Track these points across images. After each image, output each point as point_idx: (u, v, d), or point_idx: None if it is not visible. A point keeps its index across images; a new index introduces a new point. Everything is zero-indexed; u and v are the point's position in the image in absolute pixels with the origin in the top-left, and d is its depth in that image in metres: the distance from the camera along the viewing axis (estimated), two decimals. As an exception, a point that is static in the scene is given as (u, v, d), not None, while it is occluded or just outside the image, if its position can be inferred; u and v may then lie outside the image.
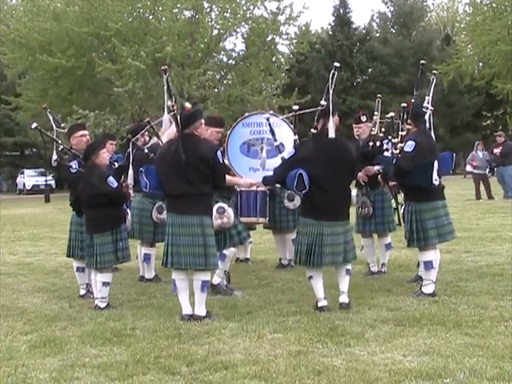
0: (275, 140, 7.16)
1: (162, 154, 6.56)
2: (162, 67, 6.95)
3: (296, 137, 7.23)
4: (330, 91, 6.57)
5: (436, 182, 6.77)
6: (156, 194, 7.34)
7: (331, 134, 6.40)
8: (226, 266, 7.44)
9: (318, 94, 31.10)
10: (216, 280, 7.41)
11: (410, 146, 6.74)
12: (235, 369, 4.75)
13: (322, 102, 6.71)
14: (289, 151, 6.79)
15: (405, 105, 7.17)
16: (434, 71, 7.82)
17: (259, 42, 32.17)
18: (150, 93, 29.94)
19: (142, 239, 8.61)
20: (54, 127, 7.68)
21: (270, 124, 7.24)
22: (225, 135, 7.95)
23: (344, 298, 6.50)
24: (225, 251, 7.33)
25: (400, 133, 7.16)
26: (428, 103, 7.22)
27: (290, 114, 7.59)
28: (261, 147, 7.79)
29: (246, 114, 8.12)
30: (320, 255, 6.37)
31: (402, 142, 6.98)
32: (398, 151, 7.00)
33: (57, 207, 24.81)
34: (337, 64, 6.64)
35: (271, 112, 8.40)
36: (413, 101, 7.12)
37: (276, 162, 7.08)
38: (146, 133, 8.51)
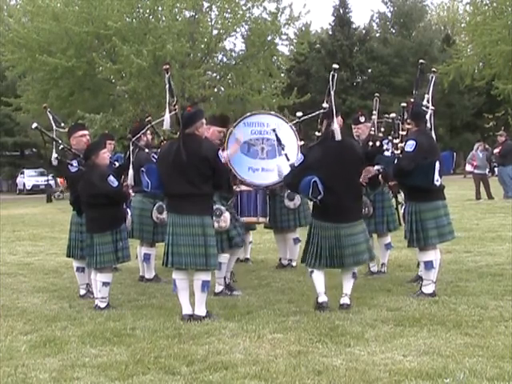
0: (283, 149, 7.19)
1: (162, 154, 6.56)
2: (164, 66, 6.93)
3: (302, 142, 7.24)
4: (332, 93, 6.56)
5: (437, 183, 6.76)
6: (157, 193, 7.34)
7: (337, 136, 6.40)
8: (223, 273, 7.39)
9: (318, 94, 31.05)
10: (218, 288, 7.39)
11: (410, 145, 6.73)
12: (235, 369, 4.76)
13: (324, 105, 6.68)
14: (297, 158, 6.77)
15: (404, 104, 7.17)
16: (433, 69, 7.82)
17: (259, 43, 32.10)
18: (151, 92, 29.92)
19: (142, 239, 8.61)
20: (54, 127, 7.68)
21: (276, 135, 7.27)
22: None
23: (345, 300, 6.50)
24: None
25: (400, 133, 7.16)
26: (428, 102, 7.21)
27: (295, 121, 7.60)
28: (261, 147, 7.78)
29: (248, 114, 8.09)
30: (341, 257, 6.40)
31: (402, 142, 6.98)
32: (398, 151, 7.00)
33: (57, 207, 24.81)
34: (335, 66, 6.63)
35: (272, 112, 8.39)
36: (412, 100, 7.12)
37: (275, 162, 7.10)
38: (149, 132, 8.50)
